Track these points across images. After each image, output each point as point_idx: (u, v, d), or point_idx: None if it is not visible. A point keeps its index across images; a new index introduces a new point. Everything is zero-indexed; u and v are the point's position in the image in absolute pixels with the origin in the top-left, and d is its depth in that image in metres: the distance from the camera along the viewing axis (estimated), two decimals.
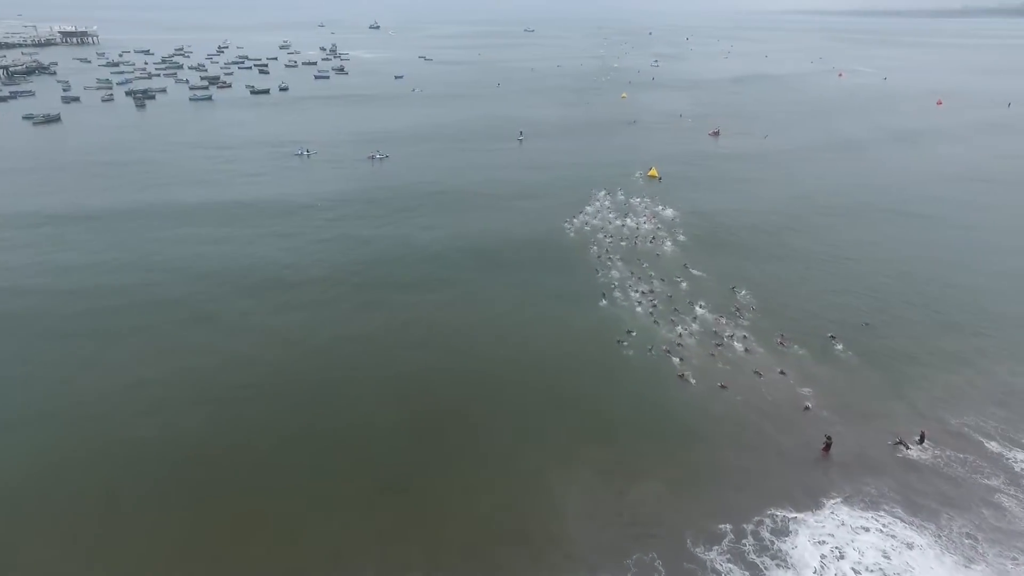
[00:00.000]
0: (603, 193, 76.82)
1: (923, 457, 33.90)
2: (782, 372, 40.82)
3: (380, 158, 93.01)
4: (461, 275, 54.75)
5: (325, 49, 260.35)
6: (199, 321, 46.40)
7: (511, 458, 33.31)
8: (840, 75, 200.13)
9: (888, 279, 55.47)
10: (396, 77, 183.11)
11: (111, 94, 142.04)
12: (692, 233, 64.40)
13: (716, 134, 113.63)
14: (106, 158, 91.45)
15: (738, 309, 48.65)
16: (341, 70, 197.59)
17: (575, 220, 67.59)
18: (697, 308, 48.69)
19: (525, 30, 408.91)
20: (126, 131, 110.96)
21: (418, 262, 57.32)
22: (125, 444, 33.68)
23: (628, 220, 67.71)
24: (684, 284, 52.94)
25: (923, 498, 31.01)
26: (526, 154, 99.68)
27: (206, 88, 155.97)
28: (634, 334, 44.74)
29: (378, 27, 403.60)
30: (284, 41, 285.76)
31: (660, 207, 71.90)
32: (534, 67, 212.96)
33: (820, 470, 33.00)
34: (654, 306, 48.83)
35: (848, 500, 30.89)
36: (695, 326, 46.20)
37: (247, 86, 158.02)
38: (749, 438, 34.95)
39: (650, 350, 42.98)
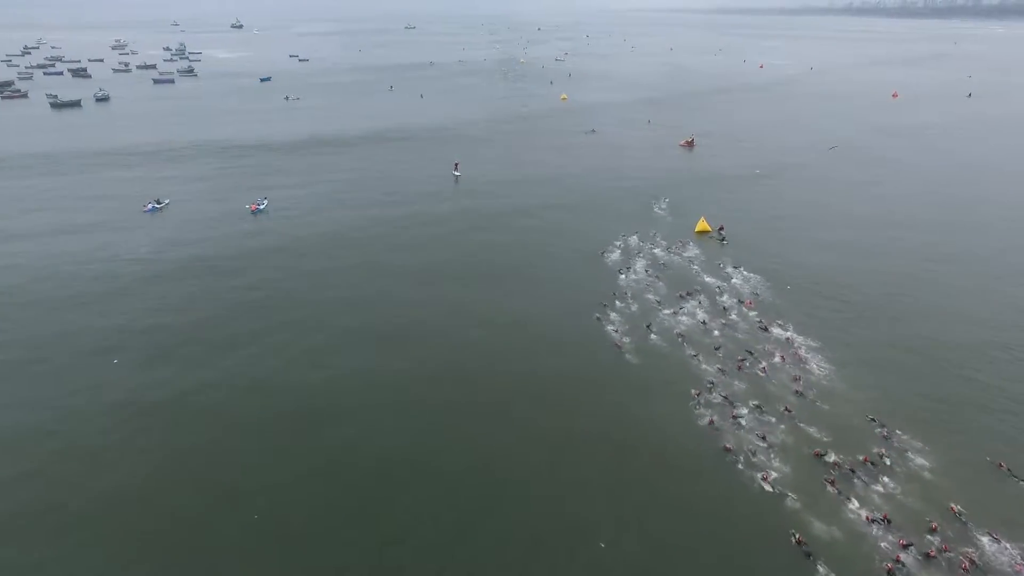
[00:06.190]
0: (639, 244, 50.55)
1: None
2: None
3: (261, 207, 60.23)
4: None
5: (170, 49, 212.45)
6: None
7: None
8: (760, 67, 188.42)
9: None
10: (262, 80, 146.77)
11: None
12: (829, 340, 37.81)
13: (690, 143, 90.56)
14: None
15: None
16: (190, 71, 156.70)
17: (612, 313, 39.79)
18: None
19: (406, 27, 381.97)
20: None
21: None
22: None
23: (702, 312, 39.83)
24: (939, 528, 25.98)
25: None
26: (473, 205, 62.67)
27: None
28: None
29: (241, 26, 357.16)
30: (117, 40, 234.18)
31: (746, 279, 45.26)
32: (433, 60, 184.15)
33: None
34: None
35: None
36: None
37: (48, 96, 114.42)
38: None
39: None
